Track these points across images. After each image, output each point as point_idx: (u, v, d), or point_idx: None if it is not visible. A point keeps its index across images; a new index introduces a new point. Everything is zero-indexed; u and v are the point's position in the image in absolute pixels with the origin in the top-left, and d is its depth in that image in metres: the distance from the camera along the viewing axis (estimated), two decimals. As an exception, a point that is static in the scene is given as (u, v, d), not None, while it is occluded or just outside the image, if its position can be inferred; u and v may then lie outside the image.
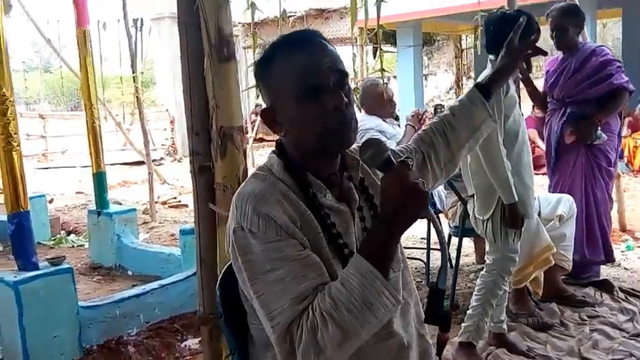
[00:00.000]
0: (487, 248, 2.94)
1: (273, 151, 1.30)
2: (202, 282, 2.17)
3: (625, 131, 8.12)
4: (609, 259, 3.81)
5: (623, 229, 5.03)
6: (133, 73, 6.50)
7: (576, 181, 3.67)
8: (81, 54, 4.49)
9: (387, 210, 1.13)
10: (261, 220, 1.14)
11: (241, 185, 1.25)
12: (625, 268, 4.04)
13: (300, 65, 1.20)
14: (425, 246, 4.15)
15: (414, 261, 4.33)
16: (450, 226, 3.88)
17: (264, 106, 1.31)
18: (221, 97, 2.06)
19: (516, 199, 2.70)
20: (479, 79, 2.85)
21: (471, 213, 3.13)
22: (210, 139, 2.11)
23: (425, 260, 4.09)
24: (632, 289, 3.62)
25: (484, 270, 2.90)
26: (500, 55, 1.65)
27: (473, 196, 3.09)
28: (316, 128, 1.20)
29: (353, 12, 2.74)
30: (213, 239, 2.15)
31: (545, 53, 1.77)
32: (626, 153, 8.05)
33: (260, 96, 1.35)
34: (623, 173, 6.45)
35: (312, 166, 1.26)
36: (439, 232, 1.27)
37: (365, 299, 1.08)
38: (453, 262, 4.00)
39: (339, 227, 1.24)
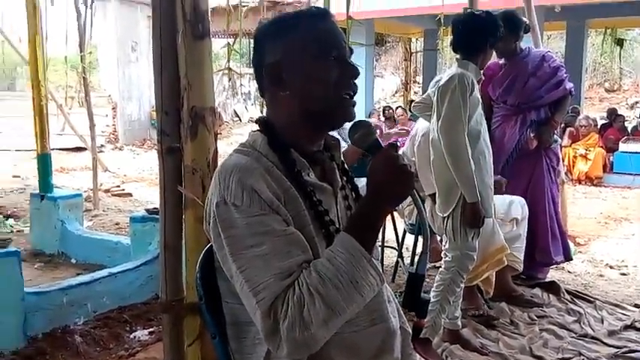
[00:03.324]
0: (445, 246, 2.96)
1: (256, 130, 1.27)
2: (165, 267, 2.08)
3: (566, 141, 8.44)
4: (567, 257, 3.96)
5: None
6: (81, 52, 6.23)
7: (538, 185, 3.79)
8: (30, 28, 4.27)
9: (376, 189, 1.15)
10: (246, 193, 1.11)
11: (224, 160, 1.21)
12: (569, 272, 4.19)
13: (325, 32, 1.24)
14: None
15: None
16: (405, 223, 3.92)
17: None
18: (194, 76, 1.99)
19: (479, 198, 2.73)
20: (438, 78, 2.90)
21: (428, 210, 3.17)
22: (180, 119, 2.03)
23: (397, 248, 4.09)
24: (578, 292, 3.75)
25: (442, 267, 2.92)
26: None
27: (431, 195, 3.13)
28: (329, 87, 1.21)
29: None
30: (179, 223, 2.07)
31: None
32: (566, 162, 8.34)
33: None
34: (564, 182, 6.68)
35: (299, 142, 1.24)
36: (422, 214, 1.28)
37: (352, 276, 1.08)
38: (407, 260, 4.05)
39: (324, 205, 1.22)
